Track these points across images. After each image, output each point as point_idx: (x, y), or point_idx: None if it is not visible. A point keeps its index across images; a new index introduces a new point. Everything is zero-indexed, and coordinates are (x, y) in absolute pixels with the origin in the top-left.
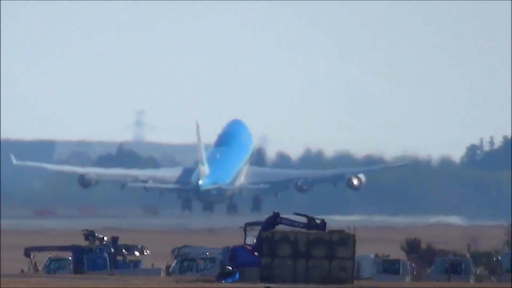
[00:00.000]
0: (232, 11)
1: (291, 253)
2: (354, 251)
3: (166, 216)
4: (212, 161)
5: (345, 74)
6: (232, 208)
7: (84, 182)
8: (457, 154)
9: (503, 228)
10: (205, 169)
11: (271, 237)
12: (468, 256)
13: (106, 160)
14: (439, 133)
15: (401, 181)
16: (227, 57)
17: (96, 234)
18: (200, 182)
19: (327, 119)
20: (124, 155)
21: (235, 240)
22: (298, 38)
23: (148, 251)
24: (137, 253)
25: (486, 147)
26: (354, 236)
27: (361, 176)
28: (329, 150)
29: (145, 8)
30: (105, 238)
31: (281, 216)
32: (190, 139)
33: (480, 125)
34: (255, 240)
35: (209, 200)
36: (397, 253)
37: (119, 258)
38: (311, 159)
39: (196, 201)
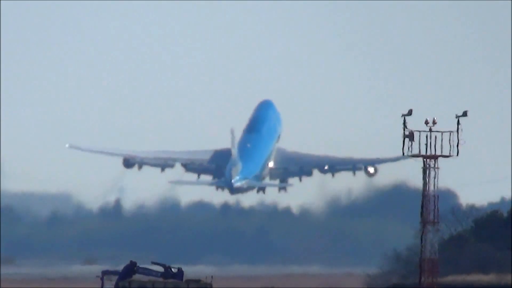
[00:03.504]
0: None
1: None
2: None
3: (23, 266)
4: (243, 151)
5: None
6: (261, 190)
7: (128, 164)
8: (318, 202)
9: (361, 277)
10: (237, 168)
11: (128, 286)
12: None
13: None
14: (299, 183)
15: (260, 229)
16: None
17: None
18: (233, 181)
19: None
20: None
21: None
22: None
23: None
24: None
25: (347, 197)
26: (211, 285)
27: (376, 166)
28: (186, 199)
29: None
30: None
31: (138, 265)
32: (48, 188)
33: (340, 175)
34: None
35: (240, 192)
36: None
37: None
38: (168, 208)
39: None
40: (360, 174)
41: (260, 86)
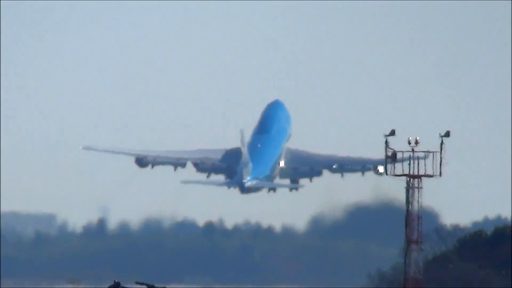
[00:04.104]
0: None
1: None
2: None
3: (7, 286)
4: (253, 152)
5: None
6: (271, 190)
7: (141, 163)
8: (300, 223)
9: None
10: (248, 168)
11: None
12: None
13: None
14: (283, 203)
15: (244, 248)
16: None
17: None
18: (244, 181)
19: (165, 188)
20: None
21: None
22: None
23: None
24: None
25: (329, 219)
26: None
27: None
28: (169, 219)
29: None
30: None
31: (122, 285)
32: (33, 208)
33: (323, 196)
34: None
35: (250, 192)
36: None
37: None
38: (151, 228)
39: None
40: (369, 174)
41: (270, 86)
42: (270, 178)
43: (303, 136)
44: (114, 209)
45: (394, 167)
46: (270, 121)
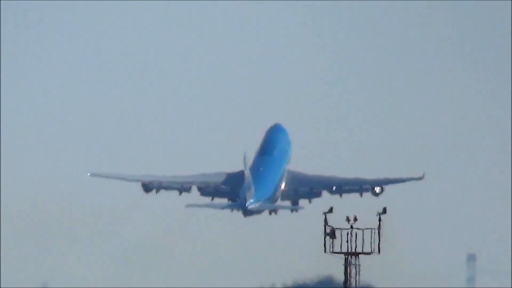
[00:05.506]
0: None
1: None
2: None
3: None
4: (256, 174)
5: None
6: (273, 212)
7: (147, 188)
8: None
9: None
10: (251, 191)
11: None
12: None
13: None
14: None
15: None
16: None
17: None
18: (246, 204)
19: (112, 261)
20: None
21: None
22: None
23: None
24: None
25: None
26: None
27: (383, 186)
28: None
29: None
30: None
31: None
32: None
33: (274, 269)
34: None
35: (253, 215)
36: None
37: None
38: None
39: None
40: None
41: (271, 110)
42: (272, 200)
43: (303, 158)
44: (56, 283)
45: (333, 244)
46: (272, 143)
